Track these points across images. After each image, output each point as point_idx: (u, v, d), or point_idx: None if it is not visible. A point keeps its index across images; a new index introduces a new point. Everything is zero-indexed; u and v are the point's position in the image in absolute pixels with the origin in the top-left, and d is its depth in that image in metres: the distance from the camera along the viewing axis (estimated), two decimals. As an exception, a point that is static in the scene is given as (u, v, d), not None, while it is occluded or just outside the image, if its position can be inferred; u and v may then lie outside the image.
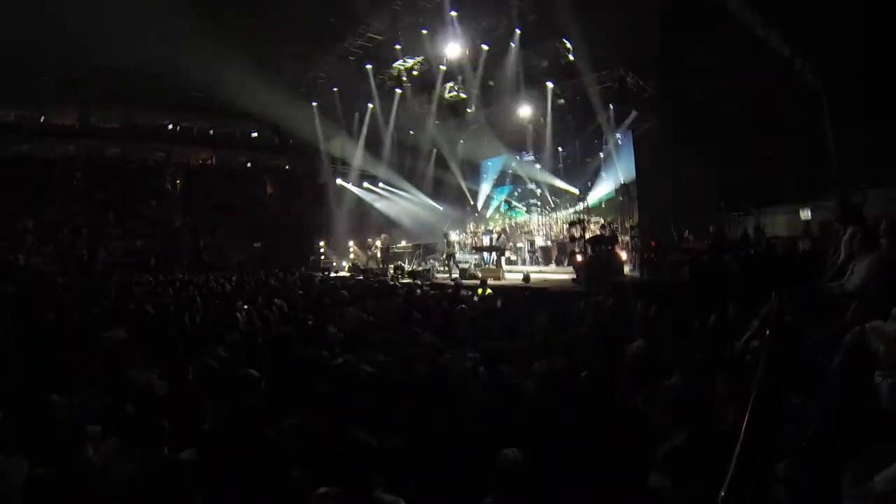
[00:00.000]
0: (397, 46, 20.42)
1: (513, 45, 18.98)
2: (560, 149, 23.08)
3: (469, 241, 21.50)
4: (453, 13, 18.25)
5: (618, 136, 20.85)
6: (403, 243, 23.26)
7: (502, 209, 25.35)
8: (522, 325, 6.98)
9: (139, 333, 7.15)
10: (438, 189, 26.36)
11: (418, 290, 12.68)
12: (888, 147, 12.03)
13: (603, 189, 21.60)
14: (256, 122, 28.88)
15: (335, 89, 23.56)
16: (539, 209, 24.00)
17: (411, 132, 25.22)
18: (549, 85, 20.79)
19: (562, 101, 21.47)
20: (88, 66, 21.06)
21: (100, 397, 4.65)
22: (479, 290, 11.69)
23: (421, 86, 22.80)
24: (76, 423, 3.97)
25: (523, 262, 20.37)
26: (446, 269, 18.81)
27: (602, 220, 18.03)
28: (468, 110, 23.40)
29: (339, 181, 27.34)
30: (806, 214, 15.30)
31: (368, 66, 22.05)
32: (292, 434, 3.87)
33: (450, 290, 11.92)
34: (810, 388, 3.18)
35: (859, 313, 4.29)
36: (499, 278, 15.48)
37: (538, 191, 24.03)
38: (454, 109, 24.15)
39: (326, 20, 20.20)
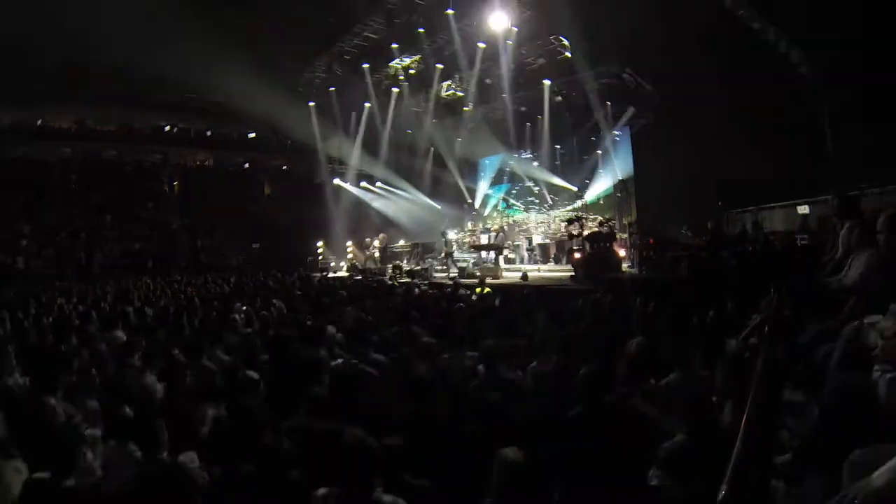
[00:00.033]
0: (394, 45, 20.41)
1: (510, 42, 18.97)
2: (557, 146, 23.08)
3: (467, 239, 21.52)
4: (450, 11, 18.24)
5: (615, 132, 20.86)
6: (402, 243, 23.25)
7: (500, 207, 25.35)
8: (521, 324, 6.97)
9: (137, 336, 7.14)
10: (436, 188, 26.37)
11: (416, 290, 12.69)
12: (887, 147, 12.05)
13: (601, 186, 21.63)
14: (254, 122, 28.85)
15: (332, 89, 23.54)
16: (537, 207, 24.00)
17: (409, 131, 25.22)
18: (546, 82, 20.81)
19: (559, 98, 21.48)
20: (85, 69, 21.04)
21: (98, 400, 4.65)
22: (478, 289, 11.69)
23: (418, 84, 22.81)
24: (74, 426, 3.96)
25: (521, 261, 20.37)
26: (445, 268, 18.81)
27: (600, 218, 18.04)
28: (465, 108, 23.40)
29: (336, 181, 27.34)
30: (804, 209, 15.33)
31: (365, 66, 22.04)
32: (291, 435, 3.87)
33: (448, 290, 11.92)
34: (809, 383, 3.18)
35: (857, 308, 4.28)
36: (497, 277, 15.47)
37: (536, 189, 24.03)
38: (451, 108, 24.15)
39: (322, 20, 20.20)
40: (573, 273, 14.07)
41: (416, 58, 21.57)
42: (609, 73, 19.60)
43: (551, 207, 23.28)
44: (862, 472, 1.53)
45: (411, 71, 22.34)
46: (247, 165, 32.14)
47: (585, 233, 15.57)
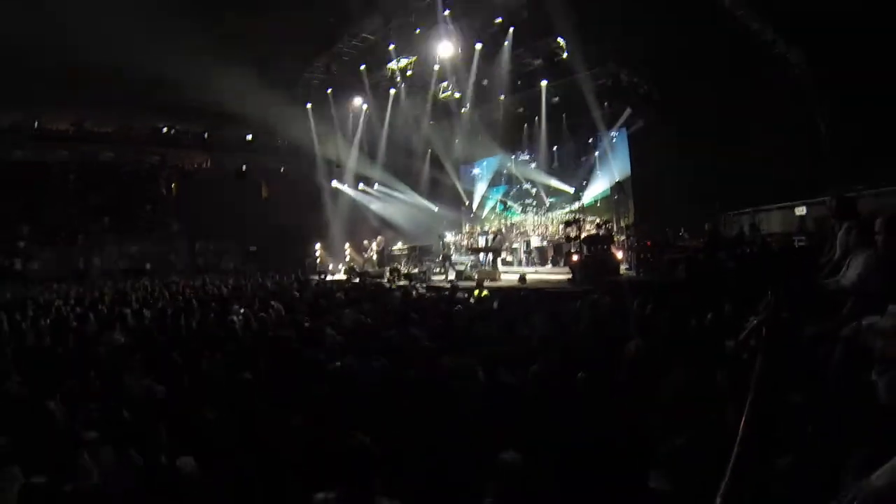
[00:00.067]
0: (391, 46, 20.42)
1: (506, 43, 19.00)
2: (555, 148, 23.09)
3: (465, 242, 21.48)
4: (446, 12, 18.26)
5: (612, 134, 20.88)
6: (399, 245, 23.23)
7: (498, 209, 25.35)
8: (519, 326, 6.98)
9: (136, 339, 7.13)
10: (434, 190, 26.35)
11: (415, 292, 12.68)
12: (883, 148, 12.08)
13: (598, 188, 21.62)
14: (251, 124, 28.83)
15: (329, 91, 23.54)
16: (534, 209, 23.99)
17: (406, 133, 25.23)
18: (544, 83, 20.84)
19: (556, 99, 21.51)
20: (83, 70, 20.99)
21: (97, 404, 4.63)
22: (476, 292, 11.68)
23: (415, 86, 22.81)
24: (73, 430, 3.95)
25: (519, 263, 20.38)
26: (442, 270, 18.80)
27: (598, 220, 18.04)
28: (462, 110, 23.41)
29: (334, 183, 27.33)
30: (801, 211, 15.35)
31: (362, 67, 22.06)
32: (290, 438, 3.86)
33: (446, 292, 11.91)
34: (808, 385, 3.18)
35: (855, 309, 4.29)
36: (495, 279, 15.46)
37: (533, 190, 24.04)
38: (448, 109, 24.16)
39: (319, 22, 20.20)
40: (571, 275, 14.06)
41: (413, 59, 21.58)
42: (606, 73, 19.64)
43: (549, 209, 23.27)
44: (862, 472, 1.54)
45: (408, 72, 22.35)
46: (244, 168, 32.11)
47: (583, 235, 15.56)
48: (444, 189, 26.15)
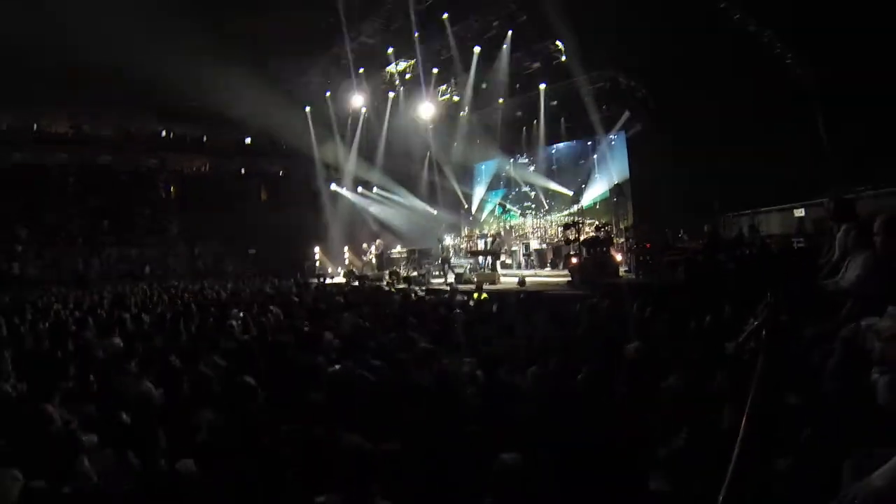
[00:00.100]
0: (389, 50, 20.45)
1: (505, 46, 19.04)
2: (553, 150, 23.12)
3: (464, 245, 21.49)
4: (444, 15, 18.30)
5: (611, 136, 20.91)
6: (398, 248, 23.23)
7: (496, 213, 25.36)
8: (519, 329, 6.97)
9: (134, 342, 7.11)
10: (432, 193, 26.36)
11: (414, 296, 12.68)
12: (882, 149, 12.09)
13: (597, 190, 21.65)
14: (250, 128, 28.86)
15: (328, 94, 23.56)
16: (533, 212, 24.01)
17: (405, 136, 25.25)
18: (542, 87, 20.87)
19: (554, 102, 21.55)
20: (83, 72, 21.03)
21: (95, 407, 4.62)
22: (475, 295, 11.68)
23: (414, 89, 22.85)
24: (71, 433, 3.94)
25: (518, 266, 20.38)
26: (442, 273, 18.80)
27: (597, 222, 18.06)
28: (461, 113, 23.43)
29: (333, 186, 27.34)
30: (800, 212, 15.36)
31: (360, 70, 22.08)
32: (290, 442, 3.85)
33: (446, 295, 11.91)
34: (807, 386, 3.18)
35: (854, 310, 4.29)
36: (494, 282, 15.47)
37: (532, 193, 24.06)
38: (447, 112, 24.19)
39: (318, 25, 20.23)
40: (570, 278, 14.07)
41: (412, 62, 21.62)
42: (604, 76, 19.68)
43: (548, 212, 23.29)
44: (861, 472, 1.54)
45: (407, 76, 22.38)
46: (243, 171, 32.14)
47: (582, 237, 15.57)
48: (442, 192, 26.15)
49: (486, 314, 9.02)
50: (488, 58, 19.79)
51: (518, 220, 24.42)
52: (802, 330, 4.02)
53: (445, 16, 18.37)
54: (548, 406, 4.12)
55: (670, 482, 3.01)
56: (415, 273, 19.16)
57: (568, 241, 16.82)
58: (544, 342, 5.89)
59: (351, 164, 26.15)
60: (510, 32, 18.65)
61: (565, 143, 22.75)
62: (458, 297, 11.45)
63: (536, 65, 20.44)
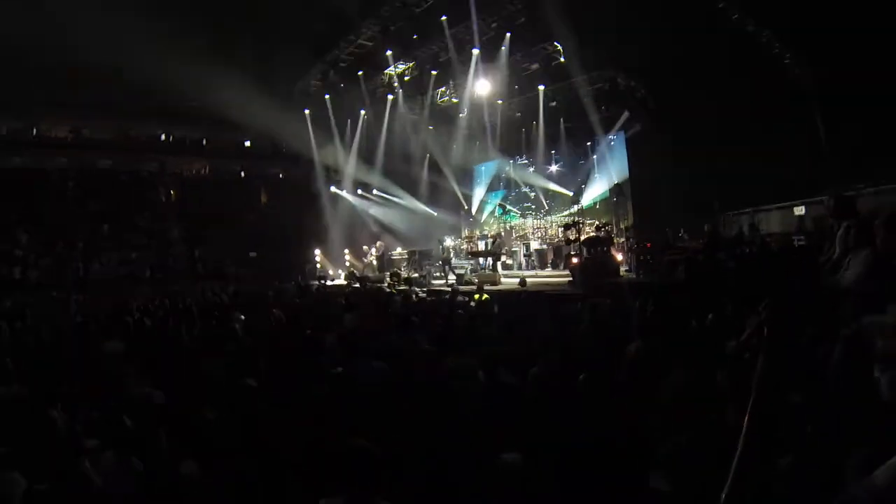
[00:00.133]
0: (388, 52, 20.45)
1: (504, 48, 19.04)
2: (553, 151, 23.13)
3: (465, 246, 21.48)
4: (443, 18, 18.31)
5: (610, 136, 20.93)
6: (399, 250, 23.20)
7: (497, 213, 25.35)
8: (520, 329, 6.97)
9: (136, 346, 7.12)
10: (433, 195, 26.35)
11: (415, 297, 12.69)
12: (881, 147, 12.10)
13: (597, 190, 21.66)
14: (249, 131, 28.87)
15: (327, 96, 23.57)
16: (533, 213, 24.01)
17: (404, 138, 25.25)
18: (541, 88, 20.87)
19: (553, 103, 21.56)
20: (81, 71, 21.04)
21: (98, 411, 4.63)
22: (476, 296, 11.68)
23: (413, 91, 22.85)
24: (74, 437, 3.95)
25: (519, 267, 20.38)
26: (443, 275, 18.80)
27: (597, 222, 18.05)
28: (461, 115, 23.44)
29: (333, 189, 27.34)
30: (800, 210, 15.38)
31: (360, 73, 22.08)
32: (292, 444, 3.85)
33: (447, 297, 11.91)
34: (809, 384, 3.18)
35: (855, 308, 4.29)
36: (495, 283, 15.47)
37: (532, 194, 24.07)
38: (447, 114, 24.20)
39: (317, 28, 20.25)
40: (571, 278, 14.07)
41: (411, 64, 21.63)
42: (603, 77, 19.70)
43: (548, 213, 23.29)
44: (864, 471, 1.54)
45: (406, 78, 22.39)
46: (243, 174, 32.15)
47: (583, 238, 15.58)
48: (443, 194, 26.14)
49: (488, 315, 9.02)
50: (488, 59, 19.78)
51: (518, 221, 24.42)
52: (804, 328, 4.02)
53: (444, 18, 18.38)
54: (549, 406, 4.12)
55: (671, 482, 3.00)
56: (416, 274, 19.15)
57: (568, 242, 16.82)
58: (545, 342, 5.89)
59: (351, 166, 26.15)
60: (508, 35, 18.65)
61: (564, 143, 22.74)
62: (460, 298, 11.45)
63: (535, 66, 20.44)
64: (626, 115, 20.04)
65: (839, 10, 12.24)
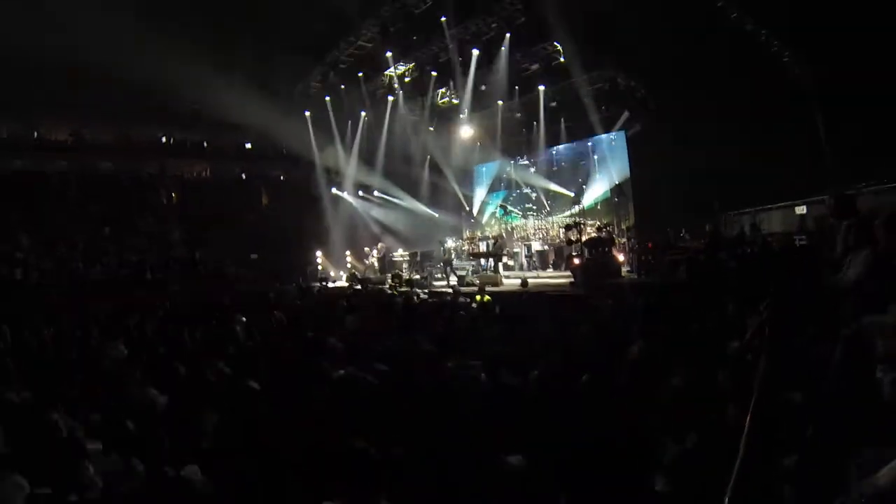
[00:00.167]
0: (388, 53, 20.45)
1: (503, 48, 19.04)
2: (553, 151, 23.13)
3: (466, 247, 21.47)
4: (443, 18, 18.32)
5: (611, 136, 20.92)
6: (400, 251, 23.19)
7: (498, 214, 25.35)
8: (521, 330, 6.97)
9: (138, 349, 7.12)
10: (433, 196, 26.34)
11: (416, 298, 12.68)
12: (881, 146, 12.09)
13: (597, 190, 21.64)
14: (250, 133, 28.87)
15: (327, 98, 23.58)
16: (534, 213, 24.00)
17: (405, 139, 25.24)
18: (541, 88, 20.87)
19: (554, 103, 21.55)
20: (83, 75, 21.04)
21: (99, 413, 4.63)
22: (478, 297, 11.69)
23: (413, 92, 22.85)
24: (76, 440, 3.95)
25: (521, 268, 20.38)
26: (444, 276, 18.80)
27: (598, 223, 18.05)
28: (461, 116, 23.44)
29: (334, 190, 27.33)
30: (801, 210, 15.36)
31: (360, 74, 22.09)
32: (294, 446, 3.85)
33: (448, 298, 11.91)
34: (811, 384, 3.18)
35: (856, 308, 4.28)
36: (497, 284, 15.46)
37: (533, 195, 24.06)
38: (447, 115, 24.19)
39: (317, 29, 20.26)
40: (573, 279, 14.06)
41: (411, 65, 21.63)
42: (603, 77, 19.69)
43: (549, 213, 23.28)
44: (866, 471, 1.54)
45: (406, 79, 22.39)
46: (244, 176, 32.15)
47: (584, 238, 15.58)
48: (444, 195, 26.13)
49: (489, 316, 9.03)
50: (487, 60, 19.78)
51: (519, 222, 24.42)
52: (805, 328, 4.02)
53: (444, 19, 18.38)
54: (550, 407, 4.12)
55: (673, 482, 3.00)
56: (417, 276, 19.14)
57: (570, 242, 16.83)
58: (547, 343, 5.89)
59: (352, 167, 26.15)
60: (508, 35, 18.65)
61: (565, 143, 22.74)
62: (461, 300, 11.45)
63: (535, 66, 20.44)
64: (626, 114, 20.02)
65: (839, 9, 12.24)
